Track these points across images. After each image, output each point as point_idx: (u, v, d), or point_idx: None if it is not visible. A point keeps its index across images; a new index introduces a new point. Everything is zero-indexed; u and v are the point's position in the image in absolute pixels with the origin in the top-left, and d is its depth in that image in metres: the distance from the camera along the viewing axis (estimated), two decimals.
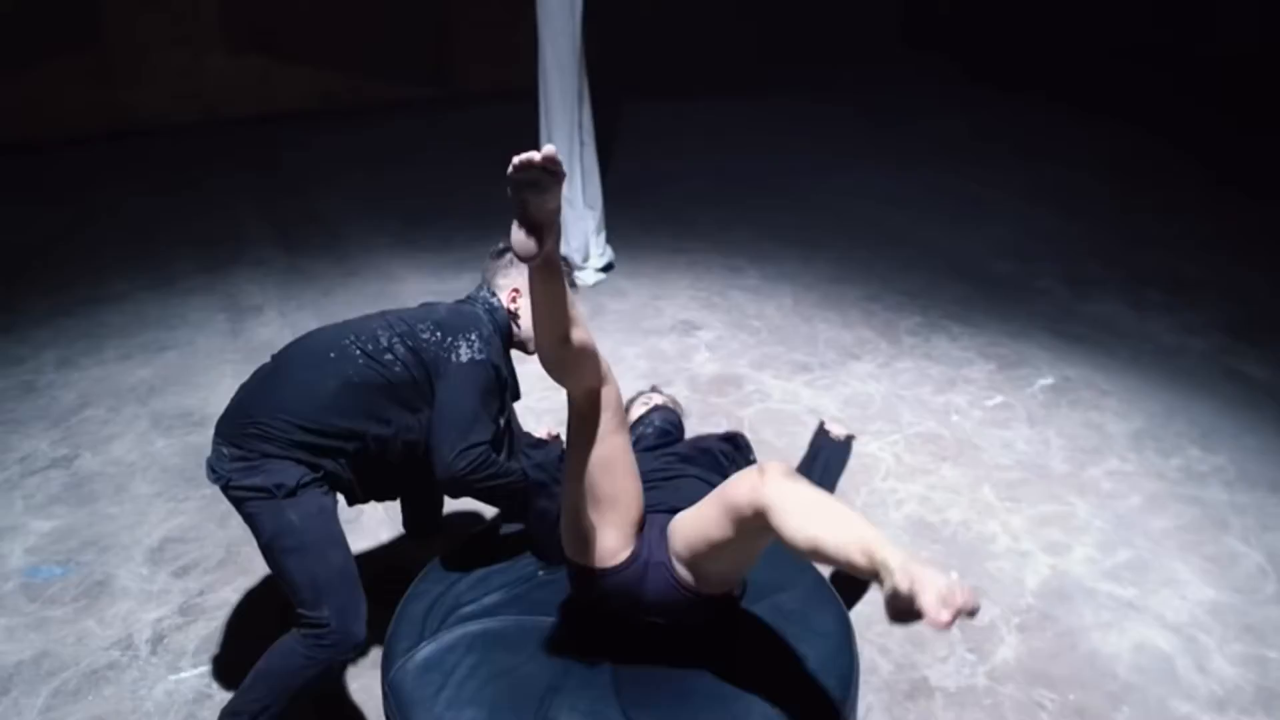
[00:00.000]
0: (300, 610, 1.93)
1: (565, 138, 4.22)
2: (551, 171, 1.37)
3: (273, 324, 4.16)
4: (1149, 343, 4.06)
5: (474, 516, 2.84)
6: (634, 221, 5.19)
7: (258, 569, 2.75)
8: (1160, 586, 2.67)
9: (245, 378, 3.59)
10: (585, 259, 4.55)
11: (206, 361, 3.86)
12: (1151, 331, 4.16)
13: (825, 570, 2.18)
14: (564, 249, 4.54)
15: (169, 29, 6.61)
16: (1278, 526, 2.88)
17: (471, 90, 7.12)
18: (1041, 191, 5.84)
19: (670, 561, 1.80)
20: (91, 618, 2.58)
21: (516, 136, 5.73)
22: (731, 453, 2.48)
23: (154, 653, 2.47)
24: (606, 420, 1.77)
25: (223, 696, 2.32)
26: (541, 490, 2.17)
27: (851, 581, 2.39)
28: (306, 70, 6.75)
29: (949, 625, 1.22)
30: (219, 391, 3.63)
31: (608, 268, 4.64)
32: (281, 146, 6.20)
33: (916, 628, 2.48)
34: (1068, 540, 2.84)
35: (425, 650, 1.89)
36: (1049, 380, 3.74)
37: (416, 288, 4.39)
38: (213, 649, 2.48)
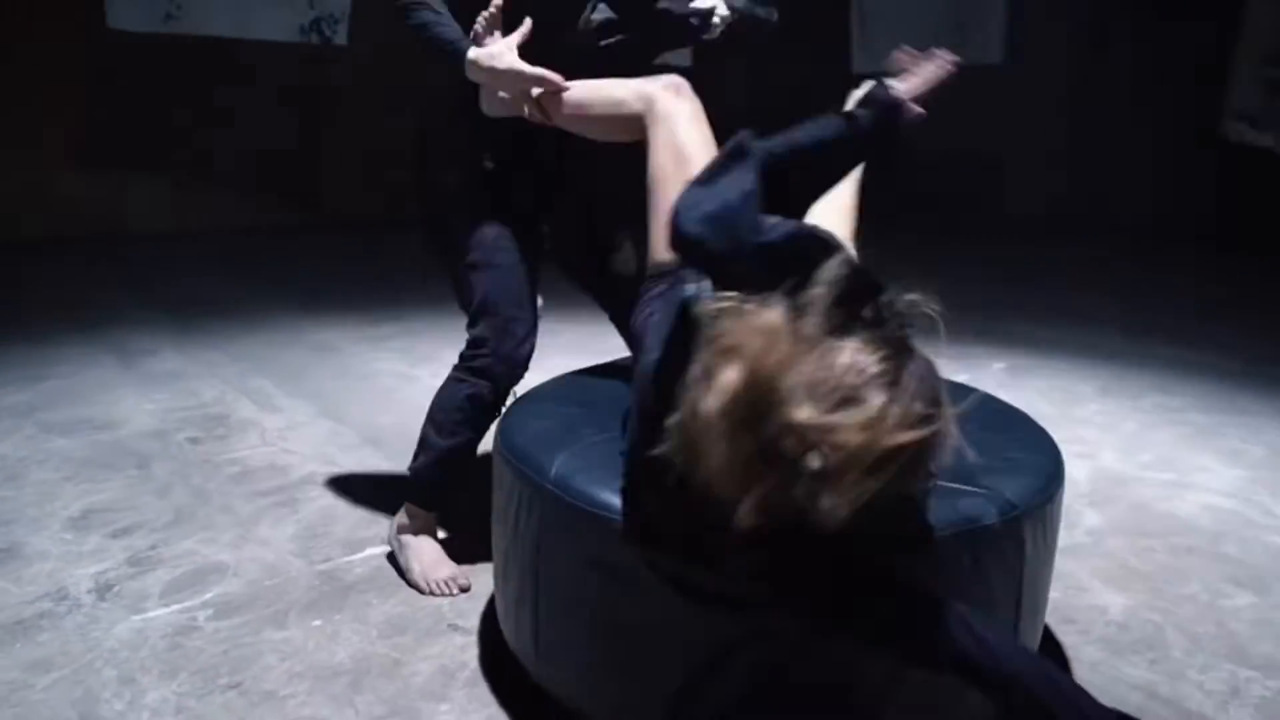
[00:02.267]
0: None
1: None
2: None
3: (172, 360, 3.63)
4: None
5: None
6: None
7: (222, 524, 2.23)
8: (1194, 471, 2.67)
9: (151, 403, 3.09)
10: None
11: (97, 387, 3.27)
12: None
13: None
14: None
15: (17, 140, 6.12)
16: (1265, 430, 3.00)
17: (338, 217, 6.94)
18: None
19: None
20: (2, 579, 1.97)
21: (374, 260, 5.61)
22: None
23: (102, 599, 1.90)
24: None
25: (215, 626, 1.80)
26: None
27: None
28: (164, 190, 6.33)
29: None
30: (124, 406, 3.07)
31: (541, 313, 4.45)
32: (145, 259, 5.57)
33: None
34: (1091, 451, 2.82)
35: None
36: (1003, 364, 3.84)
37: (330, 331, 3.99)
38: (188, 588, 1.94)
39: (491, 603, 1.84)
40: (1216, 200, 6.25)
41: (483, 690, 1.61)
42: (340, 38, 5.40)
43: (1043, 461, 1.52)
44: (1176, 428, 3.06)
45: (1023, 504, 1.35)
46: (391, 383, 3.44)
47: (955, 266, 5.69)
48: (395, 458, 2.67)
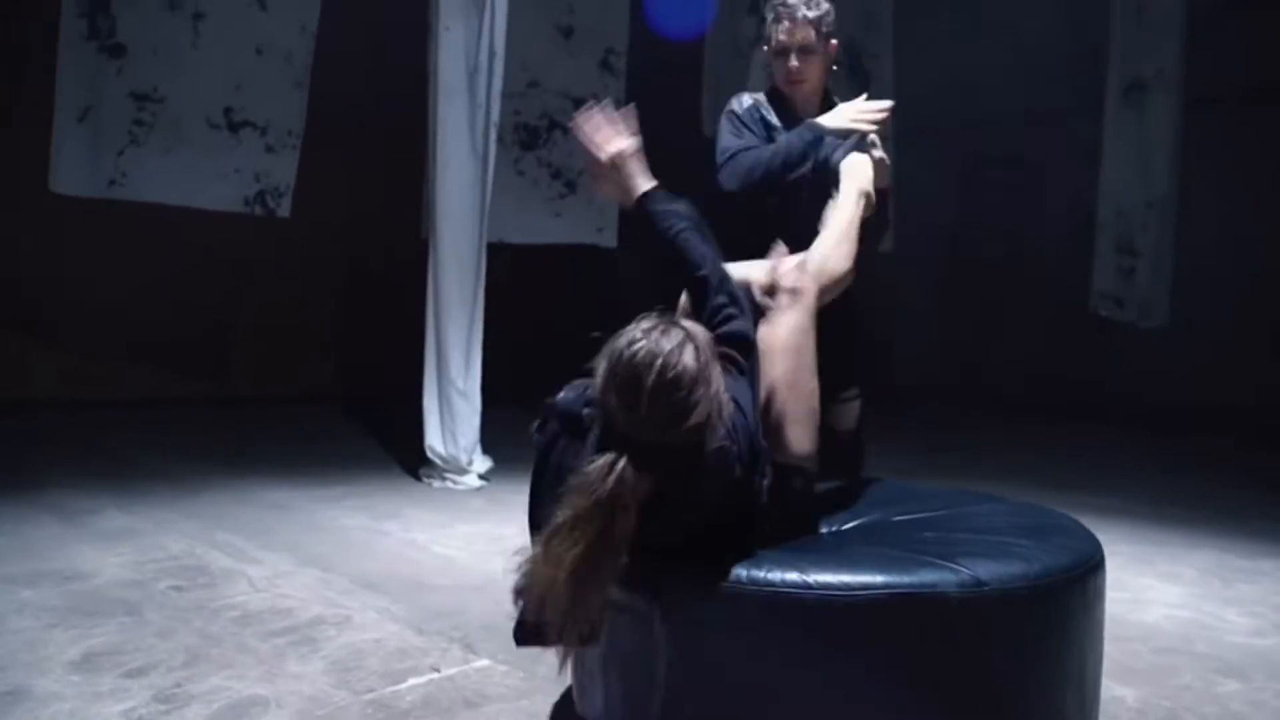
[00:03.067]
0: None
1: (464, 318, 4.28)
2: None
3: (121, 518, 3.45)
4: None
5: None
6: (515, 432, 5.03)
7: (244, 662, 2.14)
8: (1143, 590, 2.95)
9: (115, 556, 3.03)
10: (470, 463, 4.38)
11: (49, 543, 3.07)
12: None
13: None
14: (451, 449, 4.37)
15: None
16: (1188, 557, 3.34)
17: (251, 391, 6.83)
18: None
19: None
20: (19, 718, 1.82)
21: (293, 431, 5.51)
22: None
23: None
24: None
25: None
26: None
27: None
28: (66, 356, 6.10)
29: None
30: (87, 559, 2.91)
31: (488, 476, 4.48)
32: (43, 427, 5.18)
33: None
34: None
35: None
36: None
37: (267, 479, 3.86)
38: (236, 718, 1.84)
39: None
40: (1078, 371, 7.04)
41: None
42: (284, 210, 5.53)
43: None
44: (1112, 559, 3.31)
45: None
46: (365, 535, 3.38)
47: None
48: (401, 600, 2.64)
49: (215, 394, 6.64)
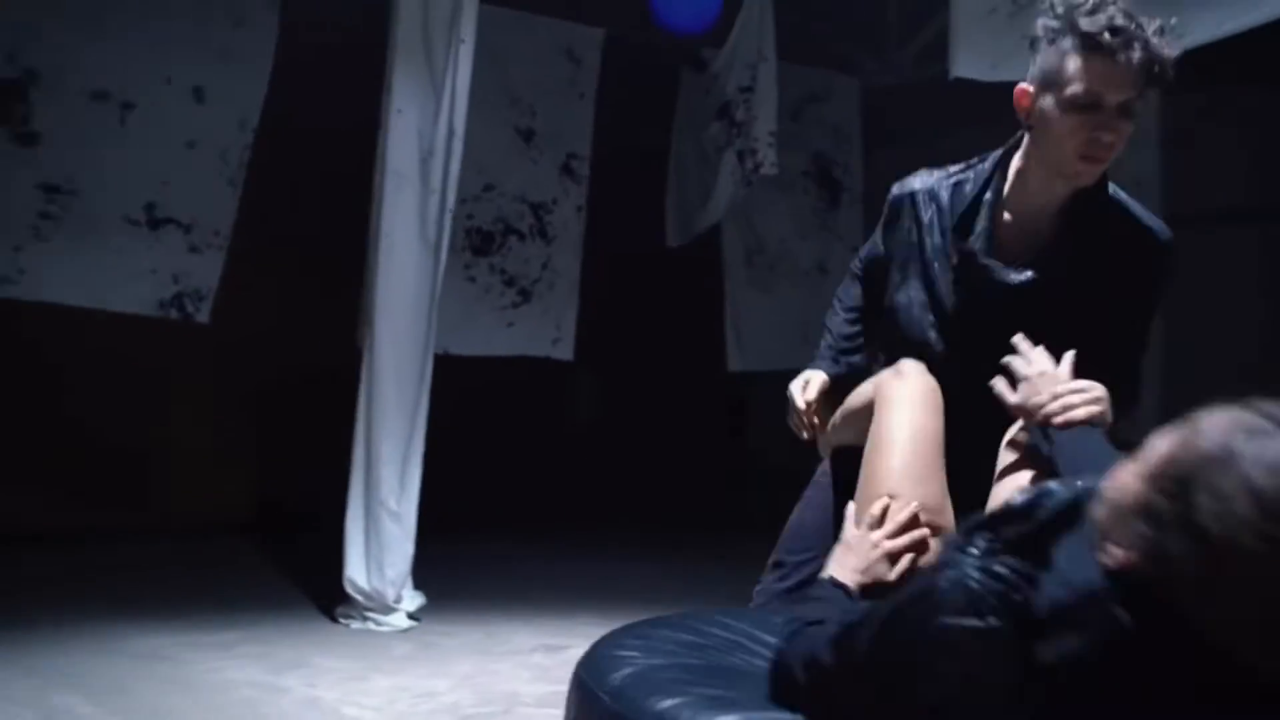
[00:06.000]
0: None
1: (402, 430, 3.72)
2: None
3: None
4: None
5: None
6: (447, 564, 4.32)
7: None
8: None
9: None
10: (398, 599, 3.72)
11: None
12: None
13: None
14: (376, 582, 3.72)
15: None
16: None
17: (173, 521, 6.10)
18: None
19: None
20: None
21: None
22: None
23: None
24: None
25: None
26: None
27: None
28: None
29: None
30: None
31: (418, 615, 3.81)
32: None
33: None
34: None
35: None
36: None
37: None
38: None
39: None
40: None
41: None
42: (203, 315, 4.99)
43: None
44: None
45: None
46: (254, 693, 2.70)
47: None
48: None
49: (122, 523, 5.88)
